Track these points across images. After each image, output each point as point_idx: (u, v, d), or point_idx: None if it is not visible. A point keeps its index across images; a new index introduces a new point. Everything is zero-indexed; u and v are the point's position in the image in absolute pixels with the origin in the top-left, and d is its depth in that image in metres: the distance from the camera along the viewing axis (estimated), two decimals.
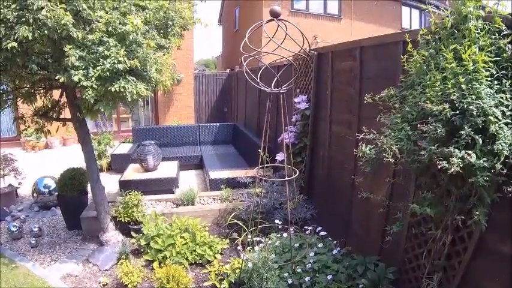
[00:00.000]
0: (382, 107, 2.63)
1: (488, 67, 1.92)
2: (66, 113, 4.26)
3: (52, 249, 4.32)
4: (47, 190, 5.51)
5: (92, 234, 4.51)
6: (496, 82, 1.93)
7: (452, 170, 1.80)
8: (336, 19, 14.28)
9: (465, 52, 1.96)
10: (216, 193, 5.38)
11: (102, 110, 3.27)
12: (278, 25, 2.88)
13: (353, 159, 3.57)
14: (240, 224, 4.30)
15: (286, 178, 3.15)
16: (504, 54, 1.95)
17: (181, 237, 4.05)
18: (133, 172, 6.08)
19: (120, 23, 3.17)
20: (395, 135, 2.23)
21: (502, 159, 1.77)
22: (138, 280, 3.50)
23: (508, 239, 2.07)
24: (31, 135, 9.50)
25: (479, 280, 2.26)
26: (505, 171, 1.77)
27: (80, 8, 3.03)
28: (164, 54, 4.01)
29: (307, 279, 3.11)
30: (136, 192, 4.69)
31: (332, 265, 3.25)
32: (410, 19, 16.27)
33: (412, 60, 2.36)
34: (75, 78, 3.02)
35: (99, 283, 3.64)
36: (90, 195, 4.59)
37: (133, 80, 3.27)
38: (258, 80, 3.01)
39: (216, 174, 5.94)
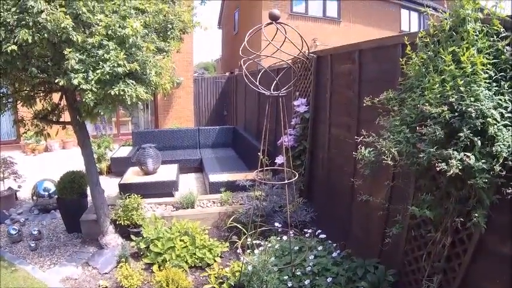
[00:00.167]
0: (381, 110, 2.64)
1: (487, 69, 1.93)
2: (66, 116, 4.26)
3: (52, 252, 4.31)
4: (46, 193, 5.50)
5: (91, 237, 4.50)
6: (494, 84, 1.93)
7: (452, 172, 1.80)
8: (335, 22, 14.34)
9: (463, 54, 1.97)
10: (216, 196, 5.37)
11: (101, 113, 3.28)
12: (277, 28, 2.89)
13: (352, 162, 3.57)
14: (240, 227, 4.30)
15: (286, 181, 3.15)
16: (502, 56, 1.95)
17: (181, 240, 4.04)
18: (133, 175, 6.08)
19: (119, 27, 3.17)
20: (395, 138, 2.23)
21: (501, 161, 1.77)
22: (137, 283, 3.49)
23: (508, 240, 2.06)
24: (31, 138, 9.47)
25: (480, 282, 2.26)
26: (504, 173, 1.77)
27: (80, 12, 3.04)
28: (164, 58, 4.03)
29: (307, 282, 3.10)
30: (136, 195, 4.69)
31: (332, 268, 3.24)
32: (409, 22, 16.33)
33: (411, 62, 2.37)
34: (75, 82, 3.03)
35: (99, 286, 3.63)
36: (89, 198, 4.59)
37: (132, 83, 3.27)
38: (258, 83, 3.02)
39: (215, 177, 5.95)
